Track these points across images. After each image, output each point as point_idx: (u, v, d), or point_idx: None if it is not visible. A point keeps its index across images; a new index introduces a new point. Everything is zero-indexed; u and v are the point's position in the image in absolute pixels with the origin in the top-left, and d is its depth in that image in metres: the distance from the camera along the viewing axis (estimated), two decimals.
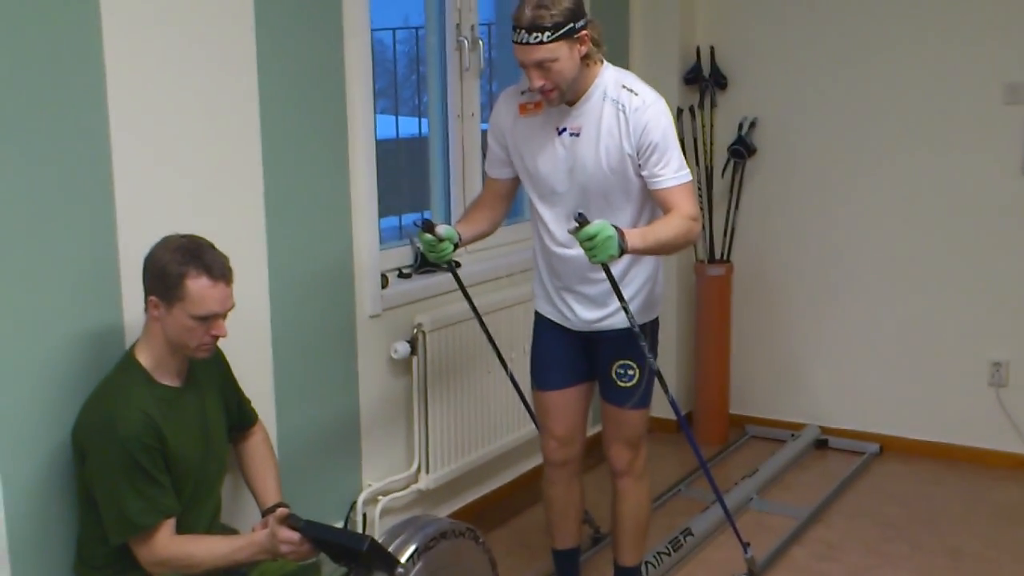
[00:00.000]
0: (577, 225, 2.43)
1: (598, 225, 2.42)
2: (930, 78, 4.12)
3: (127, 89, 2.38)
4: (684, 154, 2.71)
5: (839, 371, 4.44)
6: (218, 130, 2.65)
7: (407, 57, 4.02)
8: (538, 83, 2.57)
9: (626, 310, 2.66)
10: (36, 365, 2.25)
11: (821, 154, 4.36)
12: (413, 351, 3.28)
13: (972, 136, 4.08)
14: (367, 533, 3.11)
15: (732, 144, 4.40)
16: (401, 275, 3.39)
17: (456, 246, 2.76)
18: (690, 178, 2.67)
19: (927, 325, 4.24)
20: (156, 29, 2.46)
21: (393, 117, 3.96)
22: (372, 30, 3.14)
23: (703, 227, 4.46)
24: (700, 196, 4.44)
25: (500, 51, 4.16)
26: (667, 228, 2.60)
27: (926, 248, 4.21)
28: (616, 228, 2.44)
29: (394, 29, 3.92)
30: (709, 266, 4.46)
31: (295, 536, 2.23)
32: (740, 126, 4.42)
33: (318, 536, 2.25)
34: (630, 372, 2.82)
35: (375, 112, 3.17)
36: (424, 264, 3.41)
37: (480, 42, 3.62)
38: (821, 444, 4.41)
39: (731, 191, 4.47)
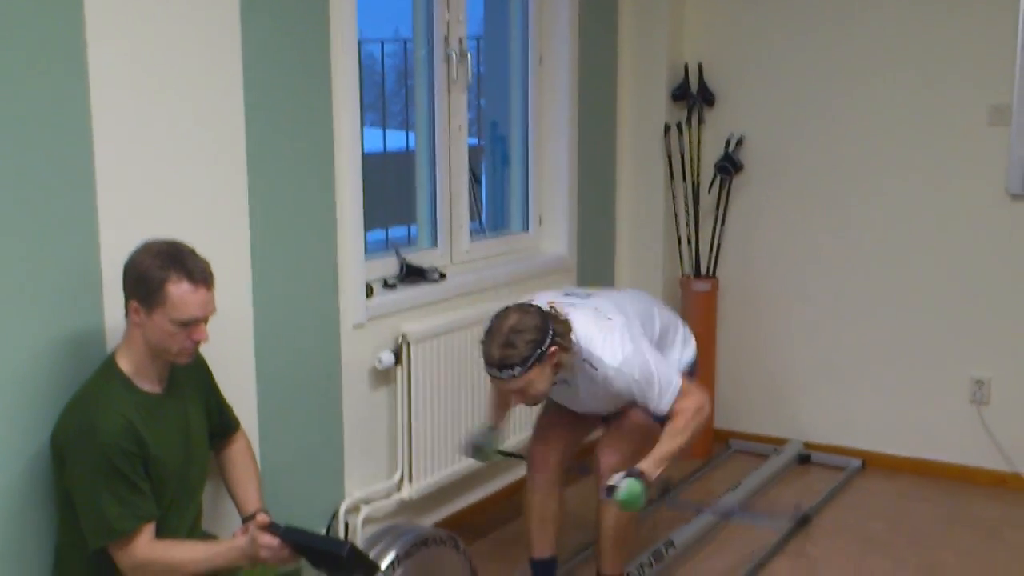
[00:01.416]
0: (608, 498, 2.71)
1: (625, 491, 2.65)
2: (916, 98, 4.16)
3: (111, 96, 2.40)
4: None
5: (823, 387, 4.46)
6: (203, 140, 2.66)
7: (396, 70, 4.05)
8: (518, 403, 2.78)
9: None
10: (15, 369, 2.25)
11: (807, 172, 4.39)
12: (397, 361, 3.29)
13: (957, 156, 4.11)
14: (349, 540, 3.12)
15: (719, 161, 4.43)
16: (386, 285, 3.41)
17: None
18: (679, 384, 2.81)
19: (910, 342, 4.27)
20: (142, 40, 2.48)
21: (381, 130, 3.99)
22: (361, 42, 3.16)
23: (690, 242, 4.49)
24: (687, 212, 4.48)
25: (488, 65, 4.19)
26: (677, 439, 2.78)
27: (910, 266, 4.24)
28: (639, 475, 2.66)
29: (383, 41, 3.95)
30: (695, 281, 4.48)
31: (275, 541, 2.24)
32: (727, 143, 4.45)
33: (298, 541, 2.26)
34: None
35: (363, 125, 3.20)
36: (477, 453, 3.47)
37: (468, 55, 3.65)
38: (804, 459, 4.42)
39: (717, 207, 4.50)
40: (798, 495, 4.06)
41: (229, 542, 2.34)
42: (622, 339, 2.80)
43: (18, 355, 2.26)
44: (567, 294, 2.98)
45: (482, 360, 2.70)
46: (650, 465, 2.76)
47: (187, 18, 2.59)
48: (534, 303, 2.79)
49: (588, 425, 3.10)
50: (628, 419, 2.97)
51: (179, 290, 2.21)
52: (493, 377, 2.70)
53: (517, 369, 2.64)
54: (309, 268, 3.03)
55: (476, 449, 3.04)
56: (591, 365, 2.79)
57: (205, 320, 2.28)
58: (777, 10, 4.37)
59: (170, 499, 2.35)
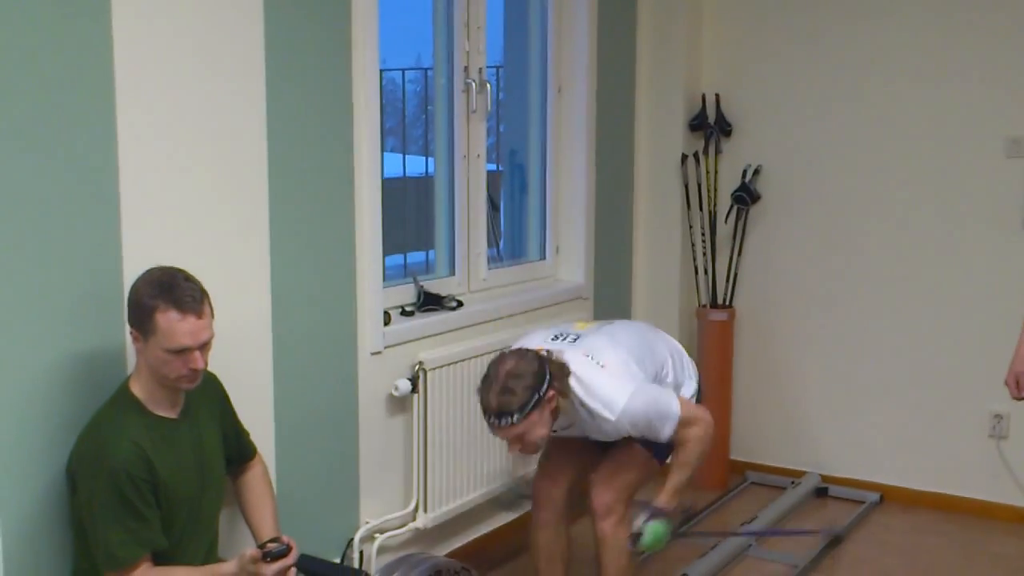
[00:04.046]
0: (632, 546, 2.78)
1: (650, 536, 2.74)
2: (933, 130, 4.15)
3: (138, 117, 2.42)
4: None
5: (840, 419, 4.43)
6: (226, 162, 2.68)
7: (417, 97, 4.08)
8: (515, 449, 2.73)
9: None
10: (35, 390, 2.25)
11: (824, 202, 4.38)
12: (414, 389, 3.28)
13: (974, 189, 4.10)
14: (363, 569, 3.11)
15: (736, 191, 4.43)
16: (404, 313, 3.40)
17: None
18: (679, 412, 2.77)
19: (928, 375, 4.24)
20: (167, 63, 2.50)
21: (401, 155, 4.02)
22: (383, 70, 3.18)
23: (707, 272, 4.48)
24: (704, 242, 4.47)
25: (508, 94, 4.22)
26: (686, 468, 2.82)
27: (928, 298, 4.22)
28: (660, 514, 2.73)
29: (404, 70, 3.98)
30: (711, 311, 4.47)
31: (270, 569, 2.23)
32: (744, 173, 4.45)
33: (312, 569, 2.26)
34: None
35: (383, 150, 3.21)
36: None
37: (488, 84, 3.67)
38: (821, 492, 4.39)
39: (734, 237, 4.49)
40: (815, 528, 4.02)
41: (217, 567, 2.33)
42: (617, 383, 2.76)
43: (38, 376, 2.26)
44: (555, 337, 2.93)
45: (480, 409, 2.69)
46: (666, 499, 2.76)
47: (211, 45, 2.61)
48: (529, 348, 2.77)
49: (593, 457, 3.03)
50: (621, 453, 2.93)
51: (167, 319, 2.19)
52: (492, 427, 2.67)
53: (516, 416, 2.61)
54: (328, 295, 3.04)
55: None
56: (588, 413, 2.76)
57: (200, 347, 2.25)
58: (794, 41, 4.39)
59: (183, 525, 2.35)
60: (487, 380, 2.67)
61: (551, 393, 2.66)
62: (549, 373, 2.67)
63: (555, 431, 2.81)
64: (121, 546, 2.20)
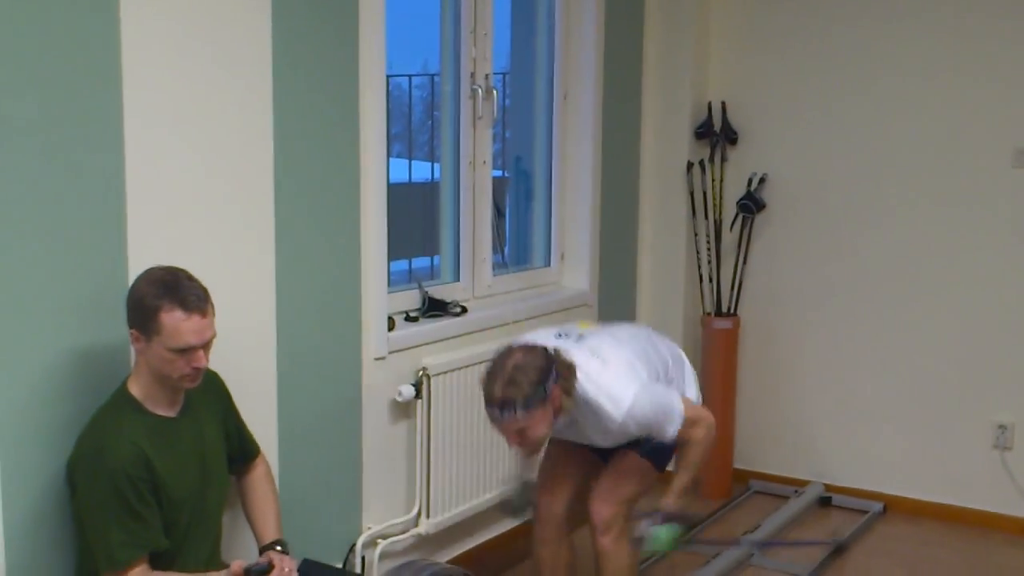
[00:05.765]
0: (640, 549, 2.85)
1: (656, 541, 2.77)
2: (940, 140, 4.15)
3: (144, 119, 2.42)
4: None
5: (845, 429, 4.43)
6: (232, 166, 2.69)
7: (423, 103, 4.08)
8: (515, 445, 2.68)
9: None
10: (39, 389, 2.26)
11: (829, 212, 4.38)
12: (417, 394, 3.28)
13: (980, 199, 4.10)
14: (365, 575, 3.11)
15: (741, 199, 4.43)
16: (408, 318, 3.41)
17: None
18: (682, 411, 2.76)
19: (933, 385, 4.23)
20: (175, 67, 2.51)
21: (407, 161, 4.02)
22: (390, 75, 3.18)
23: (711, 280, 4.48)
24: (709, 250, 4.47)
25: (514, 100, 4.22)
26: (691, 469, 2.84)
27: (933, 308, 4.21)
28: (665, 517, 2.76)
29: (411, 75, 3.99)
30: (716, 319, 4.46)
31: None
32: (749, 181, 4.45)
33: (314, 574, 2.26)
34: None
35: (389, 155, 3.22)
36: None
37: (494, 91, 3.67)
38: (825, 502, 4.38)
39: (739, 245, 4.49)
40: (818, 538, 4.01)
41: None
42: (623, 382, 2.73)
43: (41, 375, 2.26)
44: (559, 336, 2.89)
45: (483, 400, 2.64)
46: (672, 501, 2.77)
47: (218, 49, 2.62)
48: (537, 344, 2.73)
49: (592, 467, 3.01)
50: (620, 464, 2.91)
51: (172, 319, 2.20)
52: (493, 419, 2.61)
53: (519, 410, 2.55)
54: (333, 300, 3.04)
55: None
56: (593, 412, 2.72)
57: (204, 346, 2.26)
58: (800, 50, 4.39)
59: (186, 524, 2.35)
60: (492, 371, 2.60)
61: (556, 390, 2.61)
62: (556, 371, 2.62)
63: (557, 428, 2.77)
64: (120, 547, 2.20)
